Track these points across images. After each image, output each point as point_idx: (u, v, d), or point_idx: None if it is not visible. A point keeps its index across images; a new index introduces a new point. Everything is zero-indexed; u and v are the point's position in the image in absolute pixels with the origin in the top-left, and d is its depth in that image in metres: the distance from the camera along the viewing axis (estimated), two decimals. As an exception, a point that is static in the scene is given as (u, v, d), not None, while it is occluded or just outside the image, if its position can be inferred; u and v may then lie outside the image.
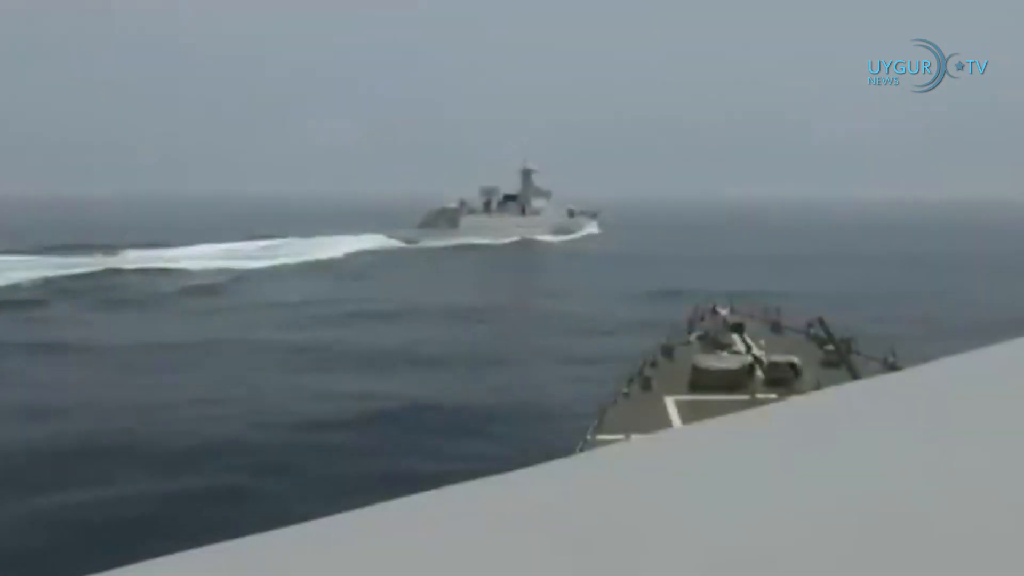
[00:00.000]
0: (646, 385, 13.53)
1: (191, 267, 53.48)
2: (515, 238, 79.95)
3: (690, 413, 11.95)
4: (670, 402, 12.73)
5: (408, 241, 74.25)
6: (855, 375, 12.77)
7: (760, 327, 18.35)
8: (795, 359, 14.13)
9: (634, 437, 9.22)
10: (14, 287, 43.71)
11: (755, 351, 15.79)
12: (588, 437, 11.01)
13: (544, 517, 1.20)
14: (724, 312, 20.09)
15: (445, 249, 70.13)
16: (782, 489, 1.29)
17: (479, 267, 61.00)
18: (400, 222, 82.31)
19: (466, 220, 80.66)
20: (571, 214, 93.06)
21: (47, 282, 45.59)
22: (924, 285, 43.61)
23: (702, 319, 19.39)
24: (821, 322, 15.93)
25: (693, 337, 17.41)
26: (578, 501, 1.27)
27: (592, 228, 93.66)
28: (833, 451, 1.45)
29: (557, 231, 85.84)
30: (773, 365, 13.98)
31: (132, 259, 56.01)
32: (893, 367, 13.25)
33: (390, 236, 74.58)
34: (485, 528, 1.20)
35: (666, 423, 11.57)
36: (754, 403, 11.52)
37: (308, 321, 33.81)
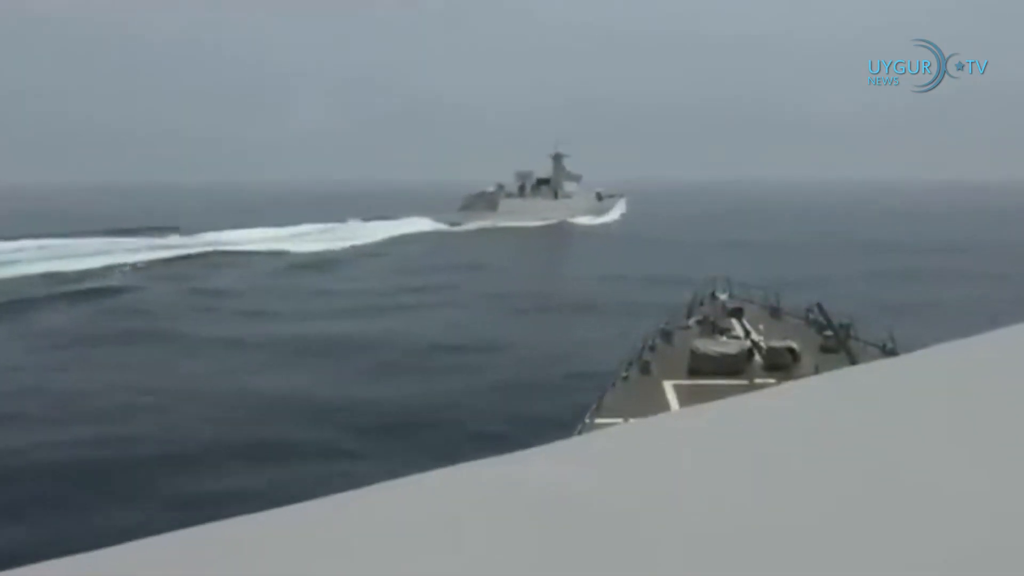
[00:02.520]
0: (645, 369, 13.56)
1: (290, 248, 55.59)
2: (550, 220, 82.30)
3: (688, 397, 11.99)
4: (668, 386, 12.76)
5: (452, 224, 77.72)
6: (853, 360, 12.79)
7: (759, 312, 18.36)
8: (794, 344, 14.14)
9: (632, 421, 9.26)
10: (106, 270, 44.29)
11: (754, 336, 15.80)
12: (586, 420, 11.05)
13: (541, 499, 1.21)
14: (723, 297, 20.08)
15: (489, 231, 73.31)
16: (778, 473, 1.29)
17: (538, 247, 64.46)
18: (426, 206, 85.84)
19: (504, 203, 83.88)
20: (599, 197, 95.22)
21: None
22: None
23: (701, 304, 19.38)
24: (820, 307, 15.93)
25: (692, 321, 17.41)
26: (575, 483, 1.28)
27: (620, 210, 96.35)
28: (830, 436, 1.46)
29: (587, 213, 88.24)
30: (772, 350, 14.00)
31: (209, 241, 58.26)
32: (891, 353, 13.27)
33: (436, 219, 78.30)
34: (481, 509, 1.21)
35: (664, 407, 11.59)
36: (752, 388, 11.54)
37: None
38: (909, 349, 2.21)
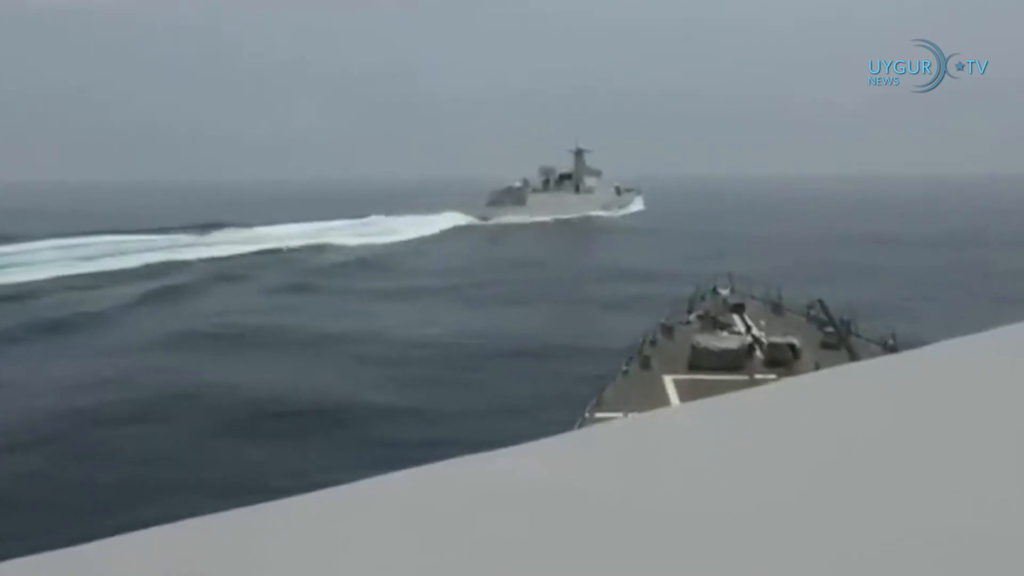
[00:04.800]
0: (645, 364, 13.56)
1: (349, 242, 56.56)
2: (574, 215, 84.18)
3: (688, 392, 11.99)
4: (668, 381, 12.77)
5: (482, 218, 79.69)
6: (854, 357, 12.79)
7: (761, 308, 18.34)
8: (795, 340, 14.14)
9: (631, 415, 9.25)
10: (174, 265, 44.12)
11: (755, 332, 15.80)
12: (586, 414, 11.06)
13: (540, 492, 1.20)
14: (725, 292, 20.07)
15: (521, 225, 75.03)
16: (777, 468, 1.29)
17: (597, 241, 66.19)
18: (448, 203, 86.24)
19: (532, 198, 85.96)
20: (618, 191, 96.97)
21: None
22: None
23: (702, 299, 19.38)
24: (821, 304, 15.93)
25: (693, 317, 17.41)
26: (573, 477, 1.27)
27: (638, 204, 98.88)
28: (829, 431, 1.45)
29: (607, 207, 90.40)
30: (772, 346, 14.00)
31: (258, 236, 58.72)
32: (892, 349, 13.26)
33: (467, 214, 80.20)
34: (481, 502, 1.20)
35: (664, 402, 11.60)
36: (752, 383, 11.53)
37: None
38: (911, 346, 2.19)
